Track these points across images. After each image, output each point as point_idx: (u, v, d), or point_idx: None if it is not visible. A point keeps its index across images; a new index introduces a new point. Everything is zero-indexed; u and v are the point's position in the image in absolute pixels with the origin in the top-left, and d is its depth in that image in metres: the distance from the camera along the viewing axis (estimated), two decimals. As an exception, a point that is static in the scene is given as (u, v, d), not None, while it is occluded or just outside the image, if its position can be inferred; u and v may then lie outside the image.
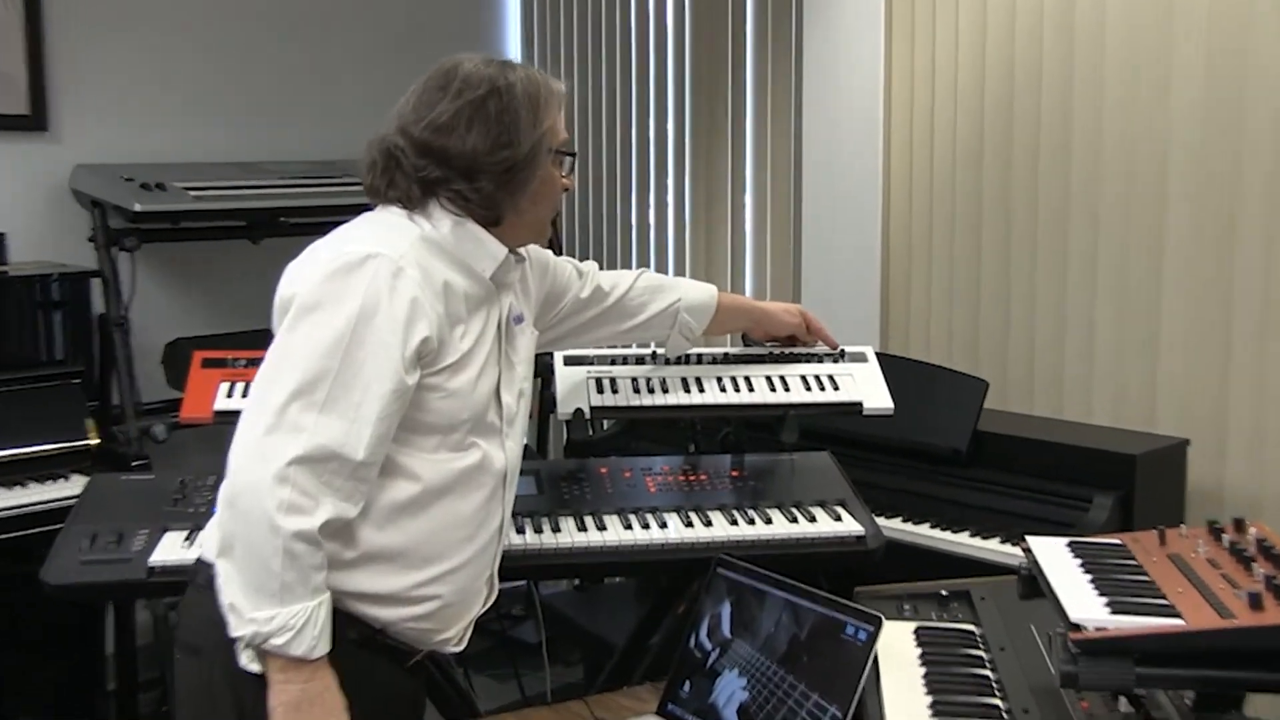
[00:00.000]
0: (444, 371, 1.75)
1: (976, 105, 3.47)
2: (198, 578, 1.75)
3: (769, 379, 2.50)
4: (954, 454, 2.93)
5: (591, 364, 2.48)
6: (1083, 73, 3.21)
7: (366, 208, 1.87)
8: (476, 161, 1.78)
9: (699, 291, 2.41)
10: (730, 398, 2.45)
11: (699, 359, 2.52)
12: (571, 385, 2.43)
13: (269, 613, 1.61)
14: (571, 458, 2.69)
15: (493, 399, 1.84)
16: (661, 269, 4.63)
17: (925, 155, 3.64)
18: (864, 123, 3.77)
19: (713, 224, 4.44)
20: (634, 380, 2.45)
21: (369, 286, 1.67)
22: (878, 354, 2.62)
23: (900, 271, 3.74)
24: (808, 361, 2.56)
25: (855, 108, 3.78)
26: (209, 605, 1.66)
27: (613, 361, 2.49)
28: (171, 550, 2.17)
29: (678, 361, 2.50)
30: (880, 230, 3.76)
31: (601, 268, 2.36)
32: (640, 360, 2.51)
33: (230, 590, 1.64)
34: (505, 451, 1.87)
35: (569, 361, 2.47)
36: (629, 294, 2.32)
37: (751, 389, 2.48)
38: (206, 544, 1.76)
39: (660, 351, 2.49)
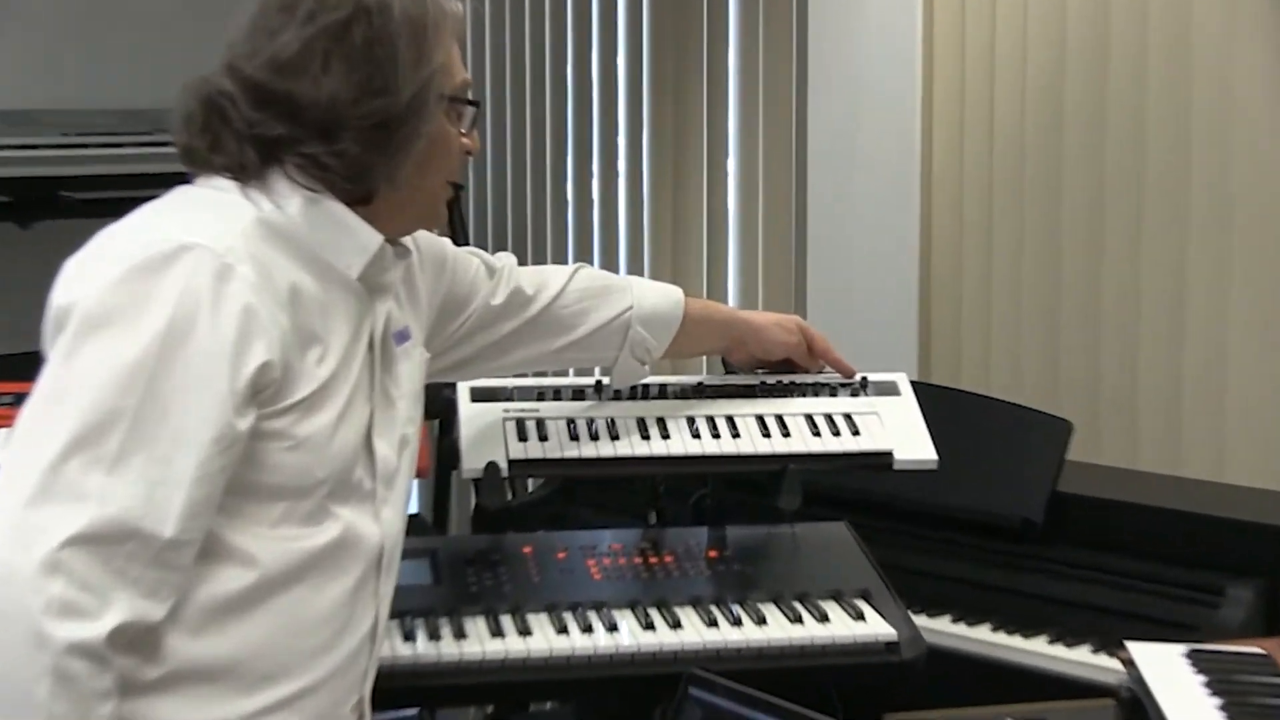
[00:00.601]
0: (291, 411, 1.74)
1: (1054, 45, 3.50)
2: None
3: (760, 420, 2.50)
4: (1024, 526, 2.93)
5: (510, 399, 2.47)
6: (1205, 10, 3.23)
7: (185, 179, 1.86)
8: (336, 113, 1.77)
9: (658, 296, 2.42)
10: (706, 446, 2.45)
11: (661, 392, 2.52)
12: (482, 430, 2.42)
13: (31, 762, 1.58)
14: (482, 533, 2.68)
15: (362, 450, 1.83)
16: (609, 267, 4.63)
17: (982, 111, 3.66)
18: (895, 64, 3.79)
19: (682, 202, 4.45)
20: (570, 422, 2.44)
21: (182, 292, 1.66)
22: (914, 384, 2.63)
23: (947, 269, 3.76)
24: (816, 394, 2.56)
25: (881, 46, 3.80)
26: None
27: (540, 395, 2.48)
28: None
29: (631, 396, 2.50)
30: (919, 211, 3.78)
31: (523, 264, 2.35)
32: (579, 393, 2.50)
33: (-26, 730, 1.61)
34: (380, 524, 1.87)
35: (478, 396, 2.47)
36: (561, 299, 2.32)
37: (736, 433, 2.47)
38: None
39: (606, 381, 2.49)
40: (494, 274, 2.28)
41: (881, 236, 3.84)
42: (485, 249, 2.34)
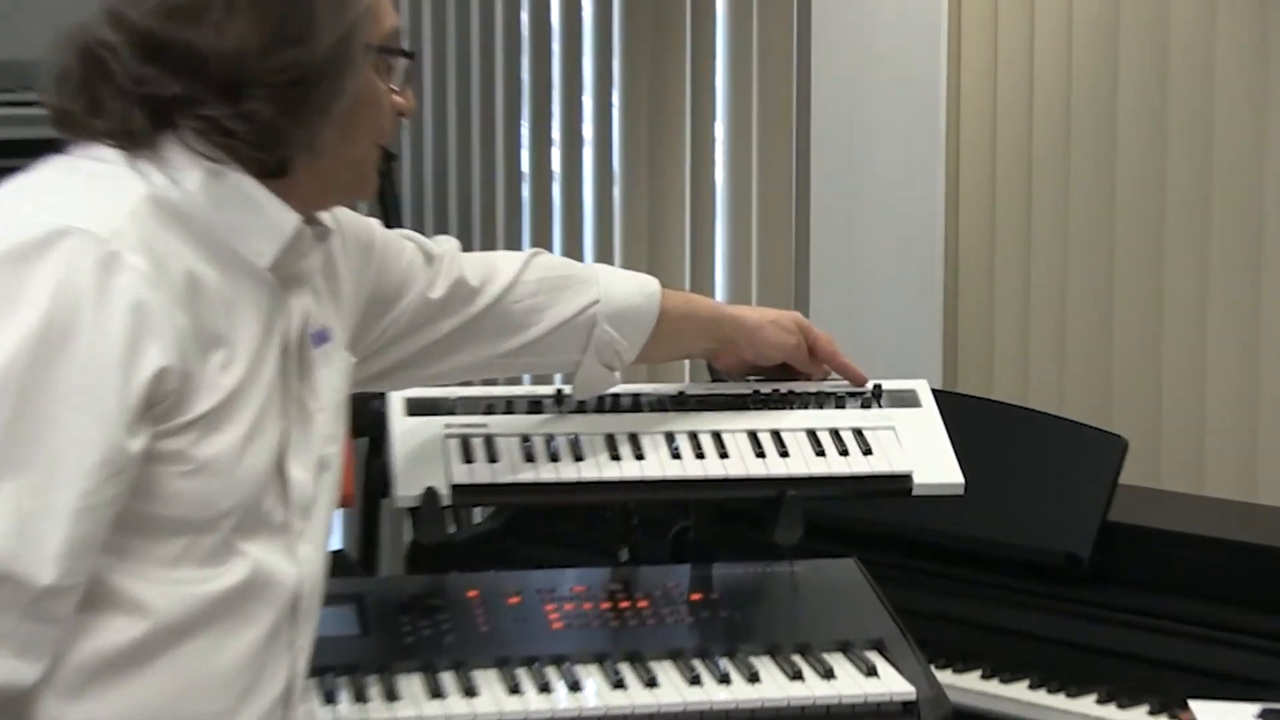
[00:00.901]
0: (191, 429, 1.74)
1: (1108, 15, 3.50)
2: None
3: (753, 436, 2.50)
4: (1070, 563, 2.94)
5: (453, 412, 2.47)
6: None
7: (58, 147, 1.85)
8: (243, 67, 1.77)
9: (630, 288, 2.42)
10: (688, 469, 2.45)
11: (634, 403, 2.52)
12: (418, 449, 2.42)
13: None
14: (418, 573, 2.68)
15: (274, 475, 1.83)
16: (573, 255, 4.63)
17: (1019, 70, 3.67)
18: (916, 12, 3.80)
19: (660, 176, 4.46)
20: (525, 440, 2.44)
21: (59, 286, 1.65)
22: (937, 393, 2.64)
23: (977, 258, 3.77)
24: (820, 406, 2.57)
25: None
26: None
27: (488, 408, 2.48)
28: None
29: (598, 408, 2.50)
30: (944, 189, 3.79)
31: (468, 249, 2.36)
32: (535, 405, 2.50)
33: None
34: (296, 563, 1.87)
35: (414, 408, 2.47)
36: (512, 292, 2.32)
37: (724, 453, 2.47)
38: None
39: (568, 390, 2.49)
40: (432, 262, 2.27)
41: (899, 219, 3.85)
42: (422, 232, 2.34)
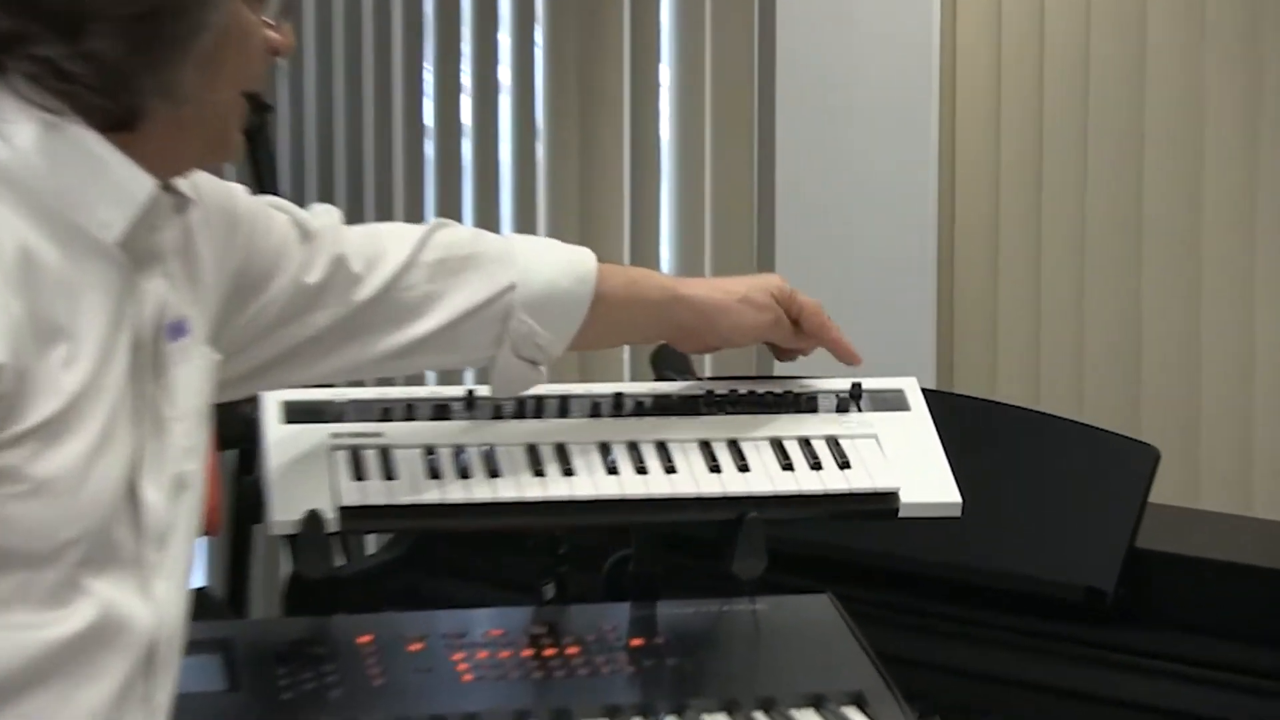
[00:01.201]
0: (27, 440, 1.73)
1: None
2: None
3: (707, 447, 2.52)
4: (1090, 599, 2.96)
5: (340, 417, 2.47)
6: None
7: None
8: (83, 0, 1.77)
9: (557, 268, 2.41)
10: (627, 487, 2.46)
11: (562, 407, 2.53)
12: (299, 464, 2.42)
13: None
14: (298, 614, 2.68)
15: (125, 497, 1.83)
16: (488, 225, 4.64)
17: (1027, 30, 3.69)
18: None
19: (593, 130, 4.46)
20: (429, 453, 2.45)
21: None
22: (928, 393, 2.66)
23: (977, 233, 3.79)
24: (788, 409, 2.58)
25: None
26: None
27: (385, 413, 2.49)
28: None
29: (518, 412, 2.51)
30: (936, 151, 3.81)
31: (356, 221, 2.36)
32: (442, 409, 2.51)
33: None
34: (153, 602, 1.86)
35: (294, 414, 2.47)
36: (405, 276, 2.32)
37: (671, 468, 2.49)
38: None
39: (481, 392, 2.50)
40: (309, 238, 2.26)
41: (883, 183, 3.87)
42: (304, 200, 2.34)
